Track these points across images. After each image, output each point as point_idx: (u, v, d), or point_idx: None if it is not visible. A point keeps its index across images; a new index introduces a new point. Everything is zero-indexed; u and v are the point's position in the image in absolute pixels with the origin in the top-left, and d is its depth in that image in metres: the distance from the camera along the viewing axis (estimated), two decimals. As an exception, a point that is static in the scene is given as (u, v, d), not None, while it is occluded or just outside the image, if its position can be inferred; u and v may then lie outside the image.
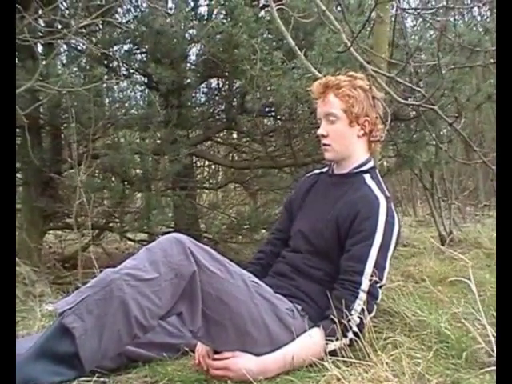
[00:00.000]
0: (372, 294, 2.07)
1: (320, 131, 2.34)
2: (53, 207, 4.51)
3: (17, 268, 3.65)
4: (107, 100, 4.67)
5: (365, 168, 2.36)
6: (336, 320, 1.98)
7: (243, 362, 1.94)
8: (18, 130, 4.32)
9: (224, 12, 4.77)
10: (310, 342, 2.02)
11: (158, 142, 4.49)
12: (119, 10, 4.78)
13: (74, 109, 3.82)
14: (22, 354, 1.80)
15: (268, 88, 4.05)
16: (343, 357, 1.86)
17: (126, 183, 4.63)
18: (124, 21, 4.79)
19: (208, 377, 1.98)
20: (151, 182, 4.50)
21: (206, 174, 6.83)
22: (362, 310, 2.04)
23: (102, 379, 1.98)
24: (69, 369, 1.80)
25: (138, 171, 4.56)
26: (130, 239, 5.25)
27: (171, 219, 5.06)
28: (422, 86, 4.34)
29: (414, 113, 4.61)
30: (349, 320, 2.01)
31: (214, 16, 4.78)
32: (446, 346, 2.13)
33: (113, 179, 4.78)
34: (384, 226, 2.13)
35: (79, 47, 4.71)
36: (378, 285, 2.09)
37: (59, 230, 5.35)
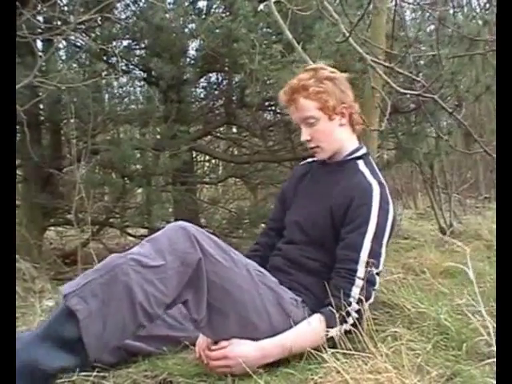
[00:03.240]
0: (369, 281, 2.06)
1: (303, 137, 2.30)
2: (53, 203, 4.52)
3: (17, 264, 3.65)
4: (107, 96, 4.68)
5: (357, 154, 2.34)
6: (335, 307, 1.98)
7: (241, 349, 1.93)
8: (17, 126, 4.33)
9: (223, 6, 4.78)
10: (309, 328, 2.02)
11: (158, 137, 4.50)
12: (118, 5, 4.78)
13: (73, 105, 3.81)
14: (25, 337, 1.79)
15: (267, 82, 4.06)
16: (343, 349, 1.86)
17: (126, 178, 4.63)
18: (123, 16, 4.80)
19: (209, 371, 1.98)
20: (151, 177, 4.51)
21: (205, 168, 6.83)
22: (361, 296, 2.03)
23: (102, 374, 1.98)
24: (72, 354, 1.76)
25: (137, 166, 4.57)
26: (130, 235, 5.26)
27: (171, 214, 5.07)
28: (421, 77, 4.34)
29: (413, 105, 4.61)
30: (348, 306, 2.01)
31: (213, 10, 4.79)
32: (445, 338, 2.13)
33: (113, 175, 4.79)
34: (378, 213, 2.11)
35: (78, 43, 4.71)
36: (375, 271, 2.08)
37: (59, 226, 5.35)
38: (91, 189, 3.93)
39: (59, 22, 4.06)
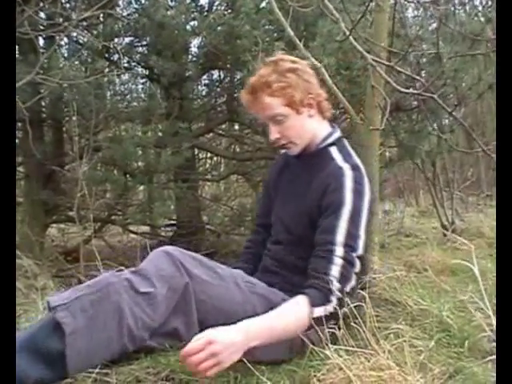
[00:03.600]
0: (348, 261, 2.01)
1: (272, 136, 2.20)
2: (55, 200, 4.53)
3: (19, 261, 3.66)
4: (108, 93, 4.68)
5: (330, 141, 2.27)
6: (317, 287, 1.95)
7: (222, 334, 1.73)
8: (19, 123, 4.34)
9: (225, 3, 4.78)
10: (293, 307, 1.93)
11: (160, 134, 4.50)
12: (120, 2, 4.78)
13: (75, 102, 3.82)
14: None
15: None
16: (345, 345, 1.86)
17: (127, 176, 4.64)
18: (125, 13, 4.79)
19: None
20: (153, 174, 4.52)
21: (207, 165, 6.83)
22: (341, 275, 1.98)
23: (104, 370, 1.98)
24: (51, 368, 1.71)
25: (139, 164, 4.58)
26: (132, 232, 5.28)
27: (173, 211, 5.08)
28: (423, 75, 4.33)
29: (415, 103, 4.61)
30: (329, 284, 1.95)
31: (215, 8, 4.79)
32: (448, 335, 2.13)
33: (115, 172, 4.80)
34: (352, 195, 2.05)
35: (80, 40, 4.71)
36: (355, 254, 2.03)
37: (61, 223, 5.37)
38: (93, 186, 3.95)
39: (61, 19, 4.06)
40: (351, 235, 2.03)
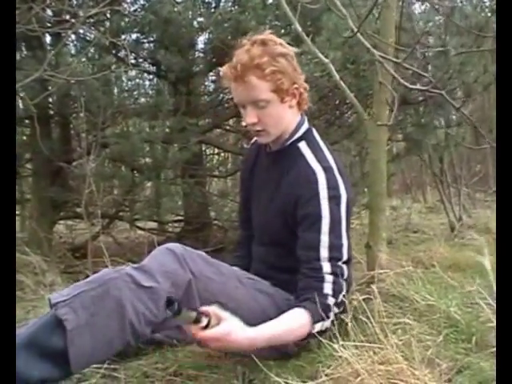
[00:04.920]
0: (337, 274, 2.00)
1: (250, 120, 2.08)
2: (63, 197, 4.54)
3: (27, 258, 3.68)
4: (116, 89, 4.69)
5: (299, 134, 2.19)
6: (316, 303, 1.93)
7: (232, 338, 1.78)
8: (27, 120, 4.36)
9: (232, -1, 4.77)
10: (297, 324, 1.93)
11: (167, 130, 4.50)
12: (127, -2, 4.79)
13: (82, 98, 3.83)
14: None
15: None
16: (354, 341, 1.86)
17: (135, 172, 4.66)
18: (132, 9, 4.80)
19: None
20: (161, 170, 4.52)
21: (215, 161, 6.84)
22: (334, 290, 1.98)
23: (112, 366, 1.99)
24: (54, 366, 1.71)
25: (147, 160, 4.59)
26: (139, 228, 5.29)
27: (181, 207, 5.09)
28: (430, 69, 4.32)
29: (422, 97, 4.60)
30: (326, 302, 1.96)
31: (221, 3, 4.78)
32: (455, 331, 2.13)
33: (122, 168, 4.81)
34: (328, 204, 2.01)
35: (87, 37, 4.72)
36: (341, 263, 2.02)
37: (69, 220, 5.37)
38: (101, 182, 3.96)
39: (68, 16, 4.07)
40: (334, 247, 2.01)
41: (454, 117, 5.07)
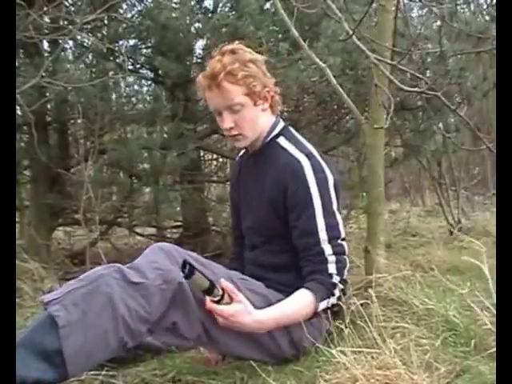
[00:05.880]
0: (338, 252, 2.08)
1: (227, 125, 2.16)
2: (61, 203, 4.54)
3: (26, 264, 3.68)
4: (114, 95, 4.69)
5: (276, 132, 2.26)
6: (321, 282, 2.03)
7: (241, 319, 1.88)
8: (24, 126, 4.36)
9: (229, 5, 4.78)
10: (303, 305, 2.01)
11: (165, 136, 4.50)
12: (124, 4, 4.79)
13: (80, 104, 3.83)
14: None
15: (274, 80, 4.06)
16: (352, 346, 1.86)
17: (133, 178, 4.65)
18: (129, 15, 4.80)
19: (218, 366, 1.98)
20: (159, 176, 4.50)
21: (213, 167, 6.82)
22: (338, 268, 2.06)
23: (111, 373, 1.99)
24: (51, 367, 1.68)
25: (145, 166, 4.58)
26: (138, 234, 5.28)
27: (179, 213, 5.08)
28: (428, 74, 4.33)
29: (421, 102, 4.60)
30: (332, 278, 2.05)
31: (219, 9, 4.79)
32: (454, 334, 2.13)
33: (120, 174, 4.80)
34: (317, 188, 2.07)
35: (85, 43, 4.73)
36: (340, 240, 2.10)
37: (67, 226, 5.37)
38: (99, 188, 3.95)
39: (66, 23, 4.07)
40: (331, 227, 2.09)
41: (452, 121, 5.07)
